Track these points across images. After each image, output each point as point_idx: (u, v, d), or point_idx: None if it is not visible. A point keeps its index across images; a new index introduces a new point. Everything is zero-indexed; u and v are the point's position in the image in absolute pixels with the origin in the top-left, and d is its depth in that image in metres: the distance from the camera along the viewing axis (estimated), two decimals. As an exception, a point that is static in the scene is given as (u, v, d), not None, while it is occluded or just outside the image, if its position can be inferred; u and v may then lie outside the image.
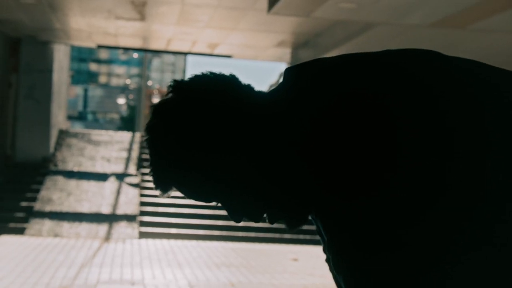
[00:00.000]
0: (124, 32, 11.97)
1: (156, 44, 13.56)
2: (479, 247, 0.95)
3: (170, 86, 1.13)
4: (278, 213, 1.13)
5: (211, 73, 1.15)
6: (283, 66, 24.92)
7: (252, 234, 11.10)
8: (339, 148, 1.00)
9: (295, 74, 1.15)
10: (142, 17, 10.55)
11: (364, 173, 0.98)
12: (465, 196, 0.96)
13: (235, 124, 1.08)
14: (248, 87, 1.15)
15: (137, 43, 13.58)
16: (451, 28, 8.28)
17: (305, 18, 8.98)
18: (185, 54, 14.76)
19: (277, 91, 1.15)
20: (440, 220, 0.96)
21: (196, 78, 1.14)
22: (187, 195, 1.13)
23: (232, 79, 1.15)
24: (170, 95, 1.12)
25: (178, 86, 1.12)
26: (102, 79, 70.60)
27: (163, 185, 1.12)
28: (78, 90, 60.28)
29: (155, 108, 1.12)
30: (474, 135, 0.99)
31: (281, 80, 1.18)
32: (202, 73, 1.15)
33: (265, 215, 1.13)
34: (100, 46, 14.23)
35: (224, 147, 1.07)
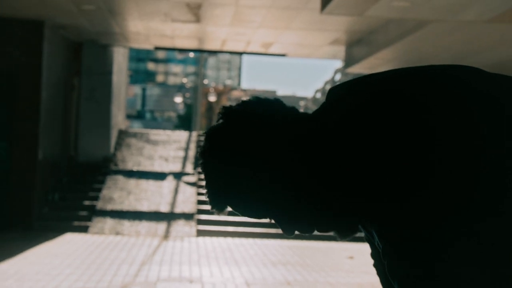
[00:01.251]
0: (180, 33, 12.24)
1: (211, 45, 13.78)
2: None
3: (220, 113, 1.23)
4: (328, 225, 1.21)
5: (257, 98, 1.25)
6: (337, 63, 24.83)
7: (308, 232, 11.15)
8: (385, 155, 1.07)
9: (338, 97, 1.22)
10: (197, 19, 10.76)
11: (410, 175, 1.05)
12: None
13: (279, 148, 1.17)
14: (292, 110, 1.24)
15: (192, 44, 13.84)
16: (508, 24, 8.12)
17: (358, 17, 8.98)
18: (240, 54, 14.92)
19: (320, 113, 1.23)
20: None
21: (243, 104, 1.23)
22: (241, 213, 1.23)
23: (277, 103, 1.24)
24: (221, 121, 1.22)
25: (227, 113, 1.22)
26: (160, 78, 71.89)
27: (218, 206, 1.22)
28: (136, 89, 61.59)
29: (207, 133, 1.22)
30: (500, 150, 1.05)
31: (327, 93, 1.26)
32: (249, 99, 1.25)
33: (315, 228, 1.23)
34: (157, 48, 14.57)
35: (268, 170, 1.17)
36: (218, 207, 1.22)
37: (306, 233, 1.23)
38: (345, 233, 1.23)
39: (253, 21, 10.69)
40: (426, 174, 1.04)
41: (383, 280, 1.24)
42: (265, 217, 1.24)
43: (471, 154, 1.04)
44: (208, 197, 1.22)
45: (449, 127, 1.07)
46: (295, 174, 1.17)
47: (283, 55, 14.21)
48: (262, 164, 1.17)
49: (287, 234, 1.24)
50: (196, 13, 10.27)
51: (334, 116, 1.17)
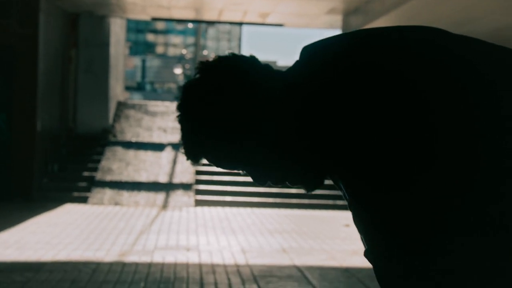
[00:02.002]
0: (177, 4, 12.19)
1: (208, 15, 13.73)
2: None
3: (196, 67, 1.27)
4: (298, 179, 1.27)
5: (234, 55, 1.29)
6: (336, 33, 24.64)
7: (306, 201, 11.28)
8: (352, 118, 1.12)
9: (309, 57, 1.26)
10: (193, -10, 10.72)
11: (373, 135, 1.10)
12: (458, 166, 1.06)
13: (254, 103, 1.22)
14: (267, 67, 1.28)
15: (190, 15, 13.79)
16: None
17: (354, -14, 8.94)
18: (237, 24, 14.86)
19: (293, 71, 1.27)
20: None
21: (219, 60, 1.27)
22: (215, 165, 1.28)
23: (252, 60, 1.28)
24: (198, 75, 1.26)
25: (203, 67, 1.26)
26: (159, 49, 71.54)
27: (193, 157, 1.27)
28: (136, 61, 61.36)
29: (184, 87, 1.27)
30: (464, 119, 1.09)
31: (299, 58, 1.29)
32: (226, 55, 1.29)
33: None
34: (154, 19, 14.52)
35: (242, 124, 1.22)
36: (193, 159, 1.27)
37: (277, 185, 1.29)
38: (312, 186, 1.29)
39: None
40: (387, 135, 1.09)
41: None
42: (239, 170, 1.29)
43: (425, 112, 1.09)
44: (183, 148, 1.27)
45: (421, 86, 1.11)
46: (269, 129, 1.22)
47: (280, 25, 14.16)
48: (237, 118, 1.21)
49: (259, 184, 1.30)
50: (191, -17, 10.22)
51: (308, 79, 1.21)
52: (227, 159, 1.26)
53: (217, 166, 1.29)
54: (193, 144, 1.26)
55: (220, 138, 1.23)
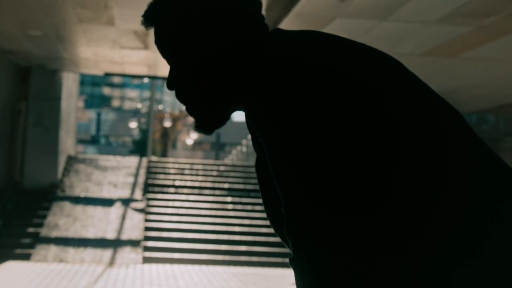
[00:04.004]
0: (129, 60, 12.27)
1: (162, 71, 13.84)
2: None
3: None
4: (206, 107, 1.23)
5: None
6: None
7: (255, 259, 11.22)
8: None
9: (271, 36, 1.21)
10: (146, 46, 10.83)
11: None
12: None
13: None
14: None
15: (143, 70, 13.87)
16: (442, 57, 8.45)
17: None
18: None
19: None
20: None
21: None
22: (159, 36, 1.22)
23: None
24: None
25: None
26: (115, 103, 71.31)
27: (148, 19, 1.22)
28: (91, 114, 60.92)
29: None
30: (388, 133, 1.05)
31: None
32: None
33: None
34: (107, 74, 14.55)
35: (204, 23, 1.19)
36: (147, 21, 1.23)
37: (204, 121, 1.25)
38: (214, 122, 1.26)
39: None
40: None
41: (260, 182, 1.23)
42: (170, 55, 1.24)
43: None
44: (148, 6, 1.23)
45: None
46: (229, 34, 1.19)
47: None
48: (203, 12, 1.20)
49: (169, 88, 1.25)
50: (144, 40, 10.35)
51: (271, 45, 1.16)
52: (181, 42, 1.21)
53: (159, 39, 1.23)
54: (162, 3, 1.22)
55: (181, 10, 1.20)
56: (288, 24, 7.25)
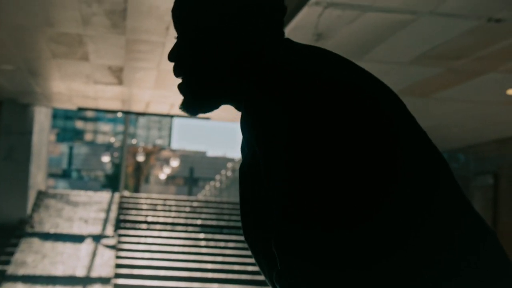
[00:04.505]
0: (103, 95, 12.21)
1: (135, 107, 13.79)
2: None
3: None
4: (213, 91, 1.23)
5: None
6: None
7: (228, 297, 11.07)
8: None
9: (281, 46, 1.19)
10: (120, 82, 10.80)
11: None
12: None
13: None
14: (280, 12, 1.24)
15: (117, 106, 13.81)
16: (416, 97, 8.59)
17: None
18: (164, 116, 14.99)
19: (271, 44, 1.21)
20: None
21: None
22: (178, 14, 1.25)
23: None
24: None
25: None
26: (88, 136, 70.78)
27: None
28: (63, 148, 60.28)
29: None
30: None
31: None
32: None
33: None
34: (80, 109, 14.44)
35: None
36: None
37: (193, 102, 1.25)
38: (204, 106, 1.26)
39: (176, 84, 10.79)
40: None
41: (243, 192, 1.17)
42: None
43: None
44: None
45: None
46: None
47: (207, 118, 14.36)
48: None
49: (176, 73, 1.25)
50: (118, 76, 10.32)
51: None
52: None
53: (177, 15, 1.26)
54: None
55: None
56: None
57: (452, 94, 8.33)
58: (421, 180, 1.03)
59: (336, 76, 1.07)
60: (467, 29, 5.58)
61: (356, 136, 1.01)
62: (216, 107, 1.26)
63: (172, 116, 14.47)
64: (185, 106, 1.25)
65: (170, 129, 75.84)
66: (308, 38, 6.17)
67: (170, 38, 7.78)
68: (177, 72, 1.25)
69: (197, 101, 1.24)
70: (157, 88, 11.18)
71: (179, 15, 1.25)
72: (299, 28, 5.81)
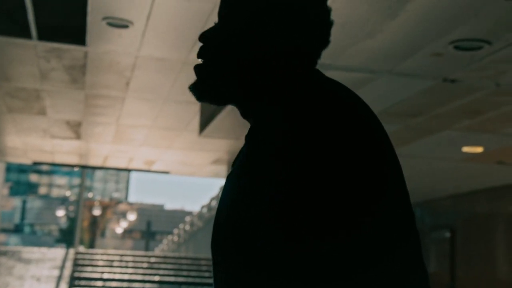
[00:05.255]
0: (60, 149, 12.00)
1: (93, 161, 13.59)
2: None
3: None
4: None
5: None
6: (221, 182, 25.21)
7: None
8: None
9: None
10: (78, 136, 10.65)
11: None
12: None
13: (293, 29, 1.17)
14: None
15: (74, 160, 13.58)
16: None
17: (236, 140, 9.27)
18: (123, 170, 14.80)
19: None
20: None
21: None
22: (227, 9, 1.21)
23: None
24: None
25: None
26: (43, 190, 69.21)
27: None
28: (16, 201, 58.72)
29: None
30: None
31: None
32: None
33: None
34: (36, 163, 14.15)
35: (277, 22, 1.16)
36: None
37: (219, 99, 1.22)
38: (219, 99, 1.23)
39: (135, 139, 10.73)
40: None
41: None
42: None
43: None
44: None
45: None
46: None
47: (166, 172, 14.24)
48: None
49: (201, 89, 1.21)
50: (76, 130, 10.18)
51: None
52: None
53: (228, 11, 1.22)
54: None
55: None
56: (224, 117, 7.31)
57: (409, 150, 8.48)
58: (394, 225, 1.04)
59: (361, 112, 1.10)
60: (424, 88, 5.72)
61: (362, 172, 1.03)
62: (222, 102, 1.23)
63: (130, 171, 14.29)
64: (192, 88, 1.22)
65: (127, 182, 74.92)
66: (269, 96, 6.21)
67: (131, 93, 7.76)
68: (200, 53, 1.22)
69: (204, 87, 1.22)
70: (116, 142, 11.06)
71: (225, 3, 1.23)
72: (260, 86, 5.85)
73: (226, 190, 1.16)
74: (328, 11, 1.22)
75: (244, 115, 1.24)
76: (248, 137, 1.18)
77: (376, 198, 1.03)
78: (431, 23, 4.31)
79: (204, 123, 8.07)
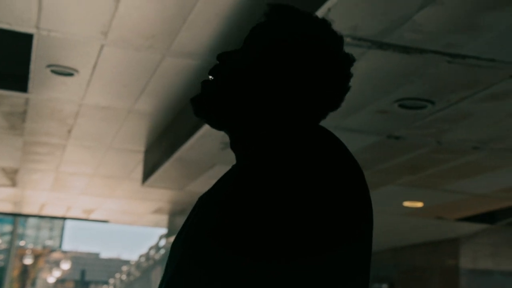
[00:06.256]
0: (-7, 196, 11.55)
1: (28, 209, 13.11)
2: None
3: (272, 7, 1.26)
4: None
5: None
6: (161, 231, 24.77)
7: None
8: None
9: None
10: (14, 184, 10.27)
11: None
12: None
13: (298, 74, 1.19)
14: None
15: (7, 208, 13.06)
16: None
17: (179, 190, 9.15)
18: (60, 218, 14.35)
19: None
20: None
21: (295, 14, 1.25)
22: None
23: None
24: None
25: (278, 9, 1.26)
26: (-29, 236, 66.17)
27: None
28: None
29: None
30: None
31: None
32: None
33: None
34: (-34, 209, 13.54)
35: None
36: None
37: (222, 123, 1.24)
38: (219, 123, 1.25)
39: (74, 187, 10.45)
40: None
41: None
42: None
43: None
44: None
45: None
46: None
47: (105, 221, 13.87)
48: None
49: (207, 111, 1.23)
50: (12, 177, 9.83)
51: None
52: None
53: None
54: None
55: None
56: (168, 168, 7.22)
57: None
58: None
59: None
60: (369, 144, 5.81)
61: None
62: (216, 124, 1.25)
63: (68, 219, 13.85)
64: (194, 100, 1.23)
65: (62, 229, 72.62)
66: (216, 146, 6.21)
67: (72, 141, 7.58)
68: (213, 71, 1.23)
69: (206, 102, 1.22)
70: (54, 190, 10.73)
71: (257, 32, 1.25)
72: (207, 136, 5.84)
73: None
74: (349, 76, 1.25)
75: (233, 145, 1.26)
76: (234, 167, 1.18)
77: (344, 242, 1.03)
78: (378, 82, 4.42)
79: (148, 173, 7.95)
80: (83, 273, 36.96)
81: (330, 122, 5.16)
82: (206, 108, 1.22)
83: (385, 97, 4.66)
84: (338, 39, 1.24)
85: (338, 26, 3.55)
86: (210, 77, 1.23)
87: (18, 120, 6.87)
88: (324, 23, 1.25)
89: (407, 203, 8.39)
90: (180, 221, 12.35)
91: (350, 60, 1.24)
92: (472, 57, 3.83)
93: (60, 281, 49.25)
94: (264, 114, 1.18)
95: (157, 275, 20.42)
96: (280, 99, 1.17)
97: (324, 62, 1.20)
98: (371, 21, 3.48)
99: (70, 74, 5.31)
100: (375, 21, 3.48)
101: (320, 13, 3.36)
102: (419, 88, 4.43)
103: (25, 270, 36.76)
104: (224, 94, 1.20)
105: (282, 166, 1.00)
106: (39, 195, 11.29)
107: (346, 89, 1.25)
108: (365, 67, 4.08)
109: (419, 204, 8.43)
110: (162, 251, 25.22)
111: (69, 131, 7.21)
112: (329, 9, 3.33)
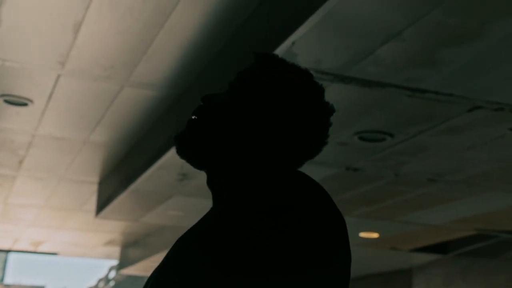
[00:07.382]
0: None
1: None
2: None
3: (258, 55, 1.29)
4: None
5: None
6: (112, 263, 24.22)
7: None
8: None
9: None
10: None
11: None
12: None
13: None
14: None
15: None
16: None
17: (134, 222, 8.97)
18: (6, 251, 13.86)
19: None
20: None
21: (280, 62, 1.31)
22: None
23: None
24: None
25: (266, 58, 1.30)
26: None
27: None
28: None
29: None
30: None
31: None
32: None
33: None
34: None
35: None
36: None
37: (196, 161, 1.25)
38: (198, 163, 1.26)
39: (23, 219, 10.13)
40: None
41: None
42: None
43: None
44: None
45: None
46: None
47: (54, 253, 13.48)
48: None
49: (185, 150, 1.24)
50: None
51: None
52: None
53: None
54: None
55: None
56: (124, 199, 7.07)
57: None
58: None
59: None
60: (327, 175, 5.82)
61: None
62: (196, 163, 1.26)
63: (14, 252, 13.39)
64: (177, 138, 1.25)
65: (4, 261, 70.20)
66: (174, 178, 6.13)
67: (23, 172, 7.36)
68: (197, 112, 1.26)
69: (189, 141, 1.24)
70: (1, 222, 10.37)
71: (242, 77, 1.28)
72: (164, 168, 5.75)
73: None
74: (328, 125, 1.33)
75: (210, 184, 1.26)
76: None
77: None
78: (339, 114, 4.40)
79: (102, 204, 7.77)
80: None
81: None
82: (189, 147, 1.23)
83: (346, 130, 4.68)
84: (319, 89, 1.31)
85: (302, 59, 3.59)
86: (194, 117, 1.25)
87: (-34, 150, 6.64)
88: (307, 74, 1.31)
89: (363, 234, 8.43)
90: (132, 253, 12.10)
91: (330, 109, 1.32)
92: (431, 91, 3.90)
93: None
94: (244, 157, 1.20)
95: (107, 309, 19.83)
96: (261, 143, 1.20)
97: (305, 111, 1.26)
98: (334, 55, 3.51)
99: (24, 104, 5.17)
100: (338, 55, 3.51)
101: (284, 46, 3.37)
102: (379, 121, 4.47)
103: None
104: (206, 134, 1.22)
105: (257, 218, 1.01)
106: (-16, 226, 10.90)
107: (325, 137, 1.33)
108: (328, 100, 4.09)
109: (375, 235, 8.49)
110: (112, 283, 24.61)
111: (20, 162, 7.00)
112: (293, 43, 3.34)
